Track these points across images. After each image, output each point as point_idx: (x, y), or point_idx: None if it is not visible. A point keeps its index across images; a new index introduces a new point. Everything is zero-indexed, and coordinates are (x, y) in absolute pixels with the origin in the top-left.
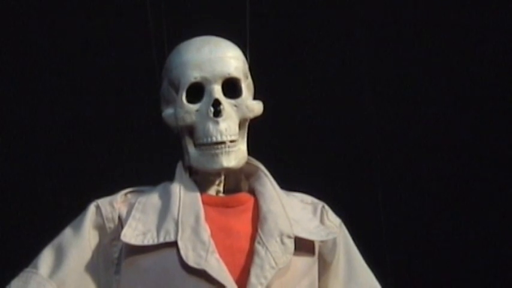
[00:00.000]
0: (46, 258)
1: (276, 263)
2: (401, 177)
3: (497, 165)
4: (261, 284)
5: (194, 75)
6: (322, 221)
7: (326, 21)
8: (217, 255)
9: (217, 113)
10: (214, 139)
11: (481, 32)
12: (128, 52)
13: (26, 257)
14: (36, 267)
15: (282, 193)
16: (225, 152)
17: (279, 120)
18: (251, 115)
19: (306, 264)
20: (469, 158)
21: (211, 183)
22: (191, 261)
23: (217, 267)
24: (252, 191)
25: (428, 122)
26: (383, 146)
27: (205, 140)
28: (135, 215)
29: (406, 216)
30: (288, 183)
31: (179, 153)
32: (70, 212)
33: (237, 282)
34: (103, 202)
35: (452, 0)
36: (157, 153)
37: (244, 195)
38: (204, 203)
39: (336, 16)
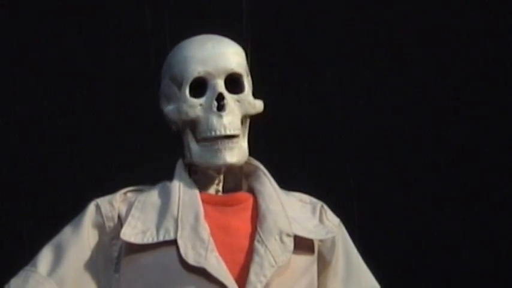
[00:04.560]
0: (45, 256)
1: (275, 261)
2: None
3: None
4: (260, 282)
5: (198, 69)
6: (321, 220)
7: (326, 21)
8: (216, 253)
9: (221, 107)
10: (218, 133)
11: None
12: (127, 51)
13: (26, 256)
14: (35, 265)
15: (281, 192)
16: (228, 147)
17: (277, 120)
18: (253, 111)
19: (305, 262)
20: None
21: (210, 182)
22: (191, 259)
23: (217, 265)
24: (251, 190)
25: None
26: (384, 147)
27: (208, 134)
28: (134, 214)
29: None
30: (287, 183)
31: (179, 152)
32: (70, 211)
33: (237, 280)
34: (103, 201)
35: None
36: (157, 153)
37: (243, 194)
38: (203, 201)
39: (336, 16)
